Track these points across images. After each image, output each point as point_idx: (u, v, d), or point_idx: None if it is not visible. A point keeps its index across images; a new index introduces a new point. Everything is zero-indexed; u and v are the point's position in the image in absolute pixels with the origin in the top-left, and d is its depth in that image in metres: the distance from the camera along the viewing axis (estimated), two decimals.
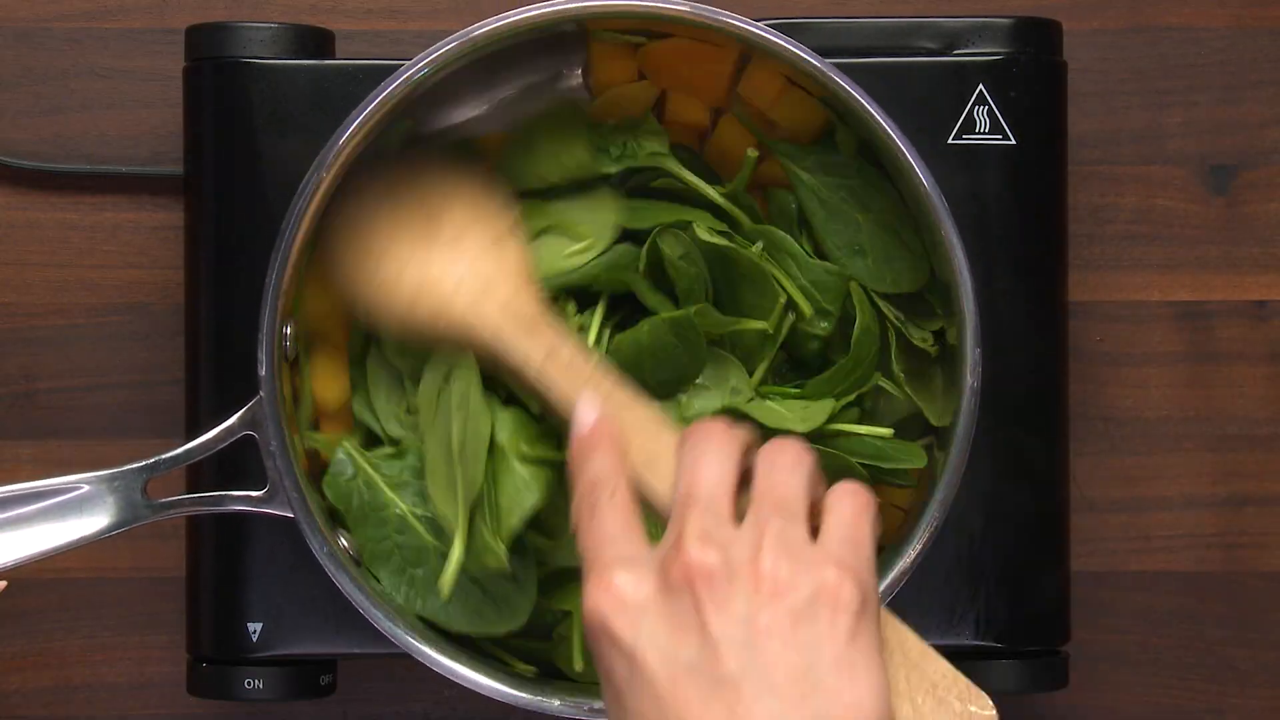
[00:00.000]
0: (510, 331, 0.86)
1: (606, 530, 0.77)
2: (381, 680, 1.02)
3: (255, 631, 0.94)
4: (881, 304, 0.92)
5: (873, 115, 0.87)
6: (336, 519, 0.93)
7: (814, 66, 0.88)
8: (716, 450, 0.77)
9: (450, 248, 0.89)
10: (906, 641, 0.78)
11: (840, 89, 0.88)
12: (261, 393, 0.88)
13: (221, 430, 0.89)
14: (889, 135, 0.87)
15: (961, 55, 0.94)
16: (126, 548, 1.02)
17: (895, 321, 0.92)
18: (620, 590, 0.74)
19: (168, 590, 1.01)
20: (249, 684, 0.94)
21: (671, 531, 0.75)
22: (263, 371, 0.88)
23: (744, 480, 0.78)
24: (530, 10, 0.88)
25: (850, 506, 0.77)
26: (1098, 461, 1.03)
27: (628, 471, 0.79)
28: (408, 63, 0.88)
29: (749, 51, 0.90)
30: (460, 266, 0.88)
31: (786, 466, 0.77)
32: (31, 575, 1.01)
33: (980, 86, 0.93)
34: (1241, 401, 1.03)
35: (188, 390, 0.95)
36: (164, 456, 0.89)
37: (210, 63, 0.94)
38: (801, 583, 0.73)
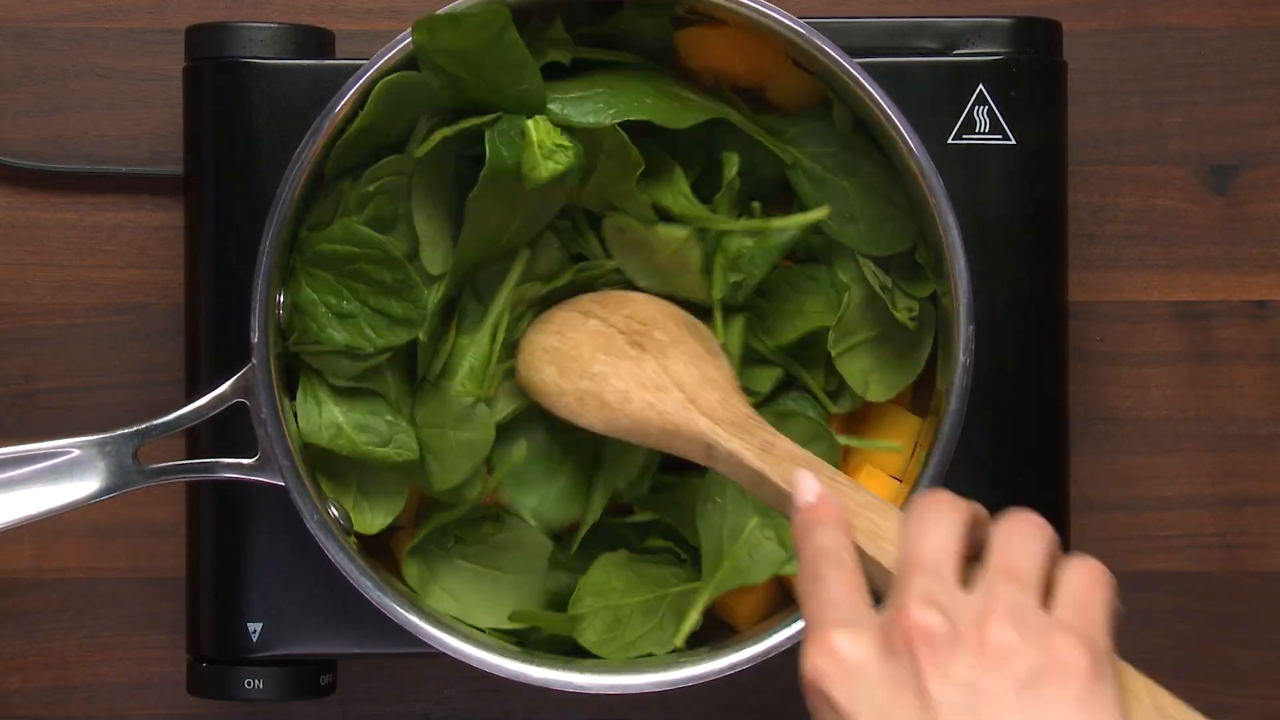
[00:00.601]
0: (726, 428, 0.85)
1: (830, 595, 0.74)
2: (381, 680, 1.02)
3: (255, 631, 0.94)
4: (868, 272, 0.92)
5: (865, 87, 0.88)
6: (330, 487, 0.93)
7: (791, 29, 0.88)
8: (942, 516, 0.75)
9: (662, 354, 0.89)
10: (1161, 699, 0.77)
11: (832, 61, 0.88)
12: (254, 360, 0.88)
13: (213, 397, 0.89)
14: (882, 110, 0.88)
15: (961, 55, 0.94)
16: (126, 547, 1.02)
17: (881, 293, 0.92)
18: (838, 650, 0.72)
19: (168, 590, 1.01)
20: (249, 684, 0.94)
21: (894, 596, 0.73)
22: (255, 338, 0.88)
23: (973, 556, 0.75)
24: None
25: (1085, 575, 0.74)
26: (1098, 461, 1.03)
27: (853, 544, 0.77)
28: (404, 32, 0.88)
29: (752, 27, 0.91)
30: (673, 371, 0.89)
31: (1024, 535, 0.74)
32: (31, 575, 1.01)
33: (980, 86, 0.93)
34: (1241, 401, 1.03)
35: (187, 390, 0.95)
36: (155, 422, 0.89)
37: (210, 63, 0.94)
38: (1029, 650, 0.71)
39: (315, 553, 0.91)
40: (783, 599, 0.94)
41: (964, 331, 0.88)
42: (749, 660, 0.89)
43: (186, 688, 0.96)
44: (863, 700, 0.71)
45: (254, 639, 0.94)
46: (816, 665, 0.72)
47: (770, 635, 0.89)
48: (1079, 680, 0.71)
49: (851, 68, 0.88)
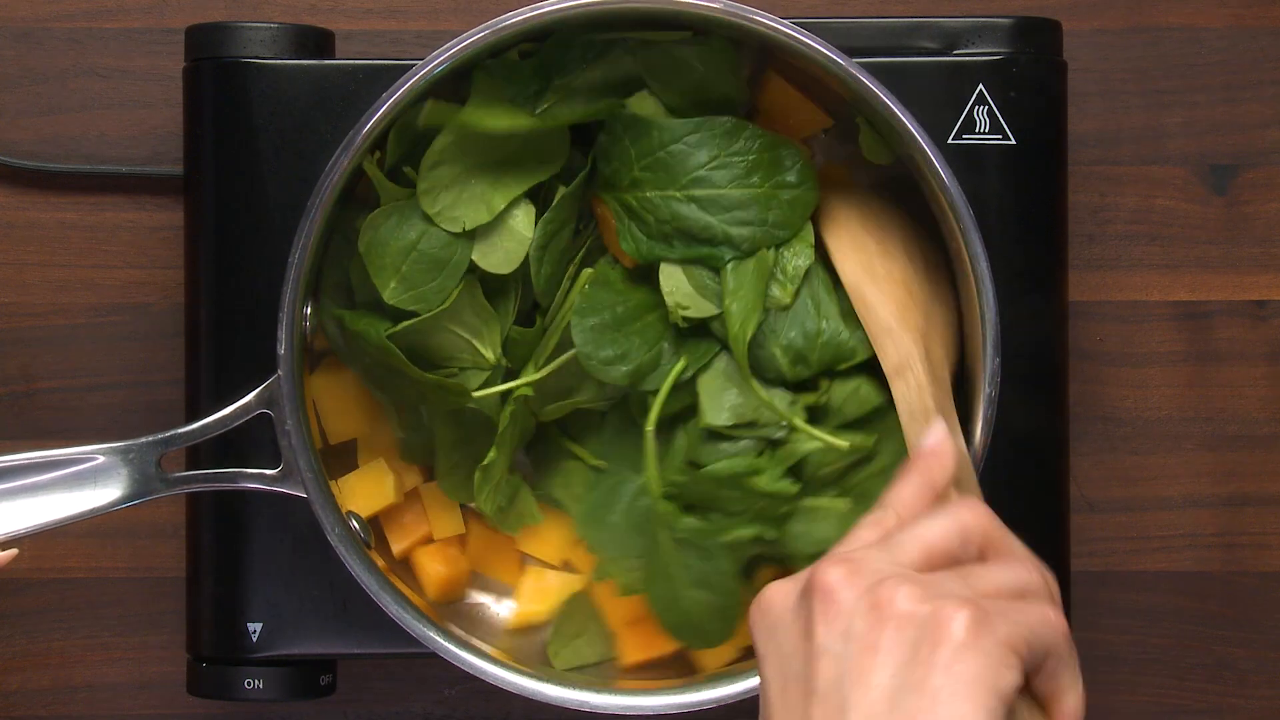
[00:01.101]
0: (902, 332, 0.88)
1: (838, 549, 0.77)
2: (381, 680, 1.02)
3: (255, 631, 0.94)
4: None
5: (903, 122, 0.88)
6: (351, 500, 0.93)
7: (858, 81, 0.88)
8: (923, 479, 0.80)
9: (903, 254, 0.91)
10: None
11: (871, 94, 0.88)
12: (279, 371, 0.88)
13: (238, 407, 0.89)
14: (919, 144, 0.88)
15: (961, 55, 0.94)
16: (126, 547, 1.02)
17: None
18: (769, 598, 0.76)
19: (168, 590, 1.01)
20: (249, 684, 0.94)
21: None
22: (282, 350, 0.88)
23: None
24: (568, 3, 0.88)
25: (1018, 572, 0.76)
26: (1098, 461, 1.03)
27: (922, 511, 0.79)
28: (441, 49, 0.87)
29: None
30: (907, 275, 0.90)
31: (970, 514, 0.77)
32: (31, 575, 1.01)
33: (980, 86, 0.93)
34: (1241, 401, 1.03)
35: (188, 390, 0.95)
36: (179, 430, 0.89)
37: (210, 63, 0.94)
38: (918, 611, 0.72)
39: (315, 553, 0.91)
40: None
41: (990, 364, 0.88)
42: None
43: (186, 688, 0.96)
44: (773, 646, 0.75)
45: (254, 639, 0.94)
46: (751, 611, 0.76)
47: None
48: (951, 645, 0.71)
49: (886, 97, 0.88)
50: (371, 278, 0.90)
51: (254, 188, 0.93)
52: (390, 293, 0.90)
